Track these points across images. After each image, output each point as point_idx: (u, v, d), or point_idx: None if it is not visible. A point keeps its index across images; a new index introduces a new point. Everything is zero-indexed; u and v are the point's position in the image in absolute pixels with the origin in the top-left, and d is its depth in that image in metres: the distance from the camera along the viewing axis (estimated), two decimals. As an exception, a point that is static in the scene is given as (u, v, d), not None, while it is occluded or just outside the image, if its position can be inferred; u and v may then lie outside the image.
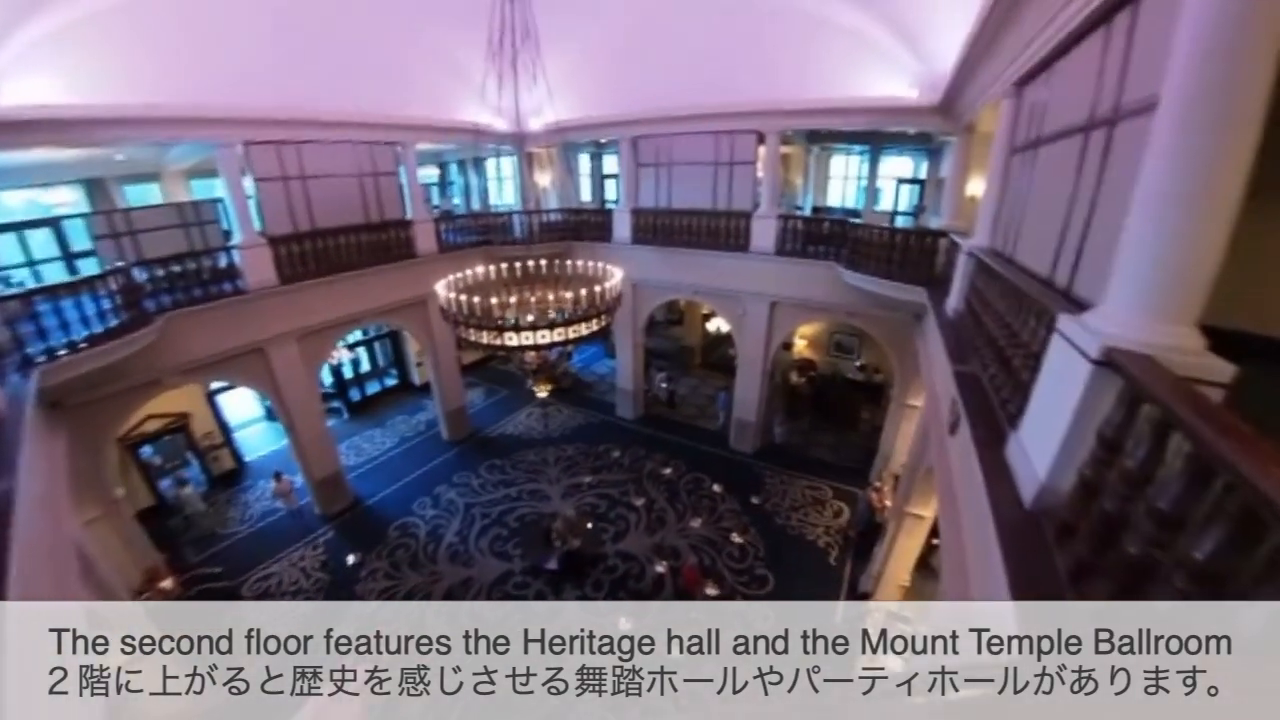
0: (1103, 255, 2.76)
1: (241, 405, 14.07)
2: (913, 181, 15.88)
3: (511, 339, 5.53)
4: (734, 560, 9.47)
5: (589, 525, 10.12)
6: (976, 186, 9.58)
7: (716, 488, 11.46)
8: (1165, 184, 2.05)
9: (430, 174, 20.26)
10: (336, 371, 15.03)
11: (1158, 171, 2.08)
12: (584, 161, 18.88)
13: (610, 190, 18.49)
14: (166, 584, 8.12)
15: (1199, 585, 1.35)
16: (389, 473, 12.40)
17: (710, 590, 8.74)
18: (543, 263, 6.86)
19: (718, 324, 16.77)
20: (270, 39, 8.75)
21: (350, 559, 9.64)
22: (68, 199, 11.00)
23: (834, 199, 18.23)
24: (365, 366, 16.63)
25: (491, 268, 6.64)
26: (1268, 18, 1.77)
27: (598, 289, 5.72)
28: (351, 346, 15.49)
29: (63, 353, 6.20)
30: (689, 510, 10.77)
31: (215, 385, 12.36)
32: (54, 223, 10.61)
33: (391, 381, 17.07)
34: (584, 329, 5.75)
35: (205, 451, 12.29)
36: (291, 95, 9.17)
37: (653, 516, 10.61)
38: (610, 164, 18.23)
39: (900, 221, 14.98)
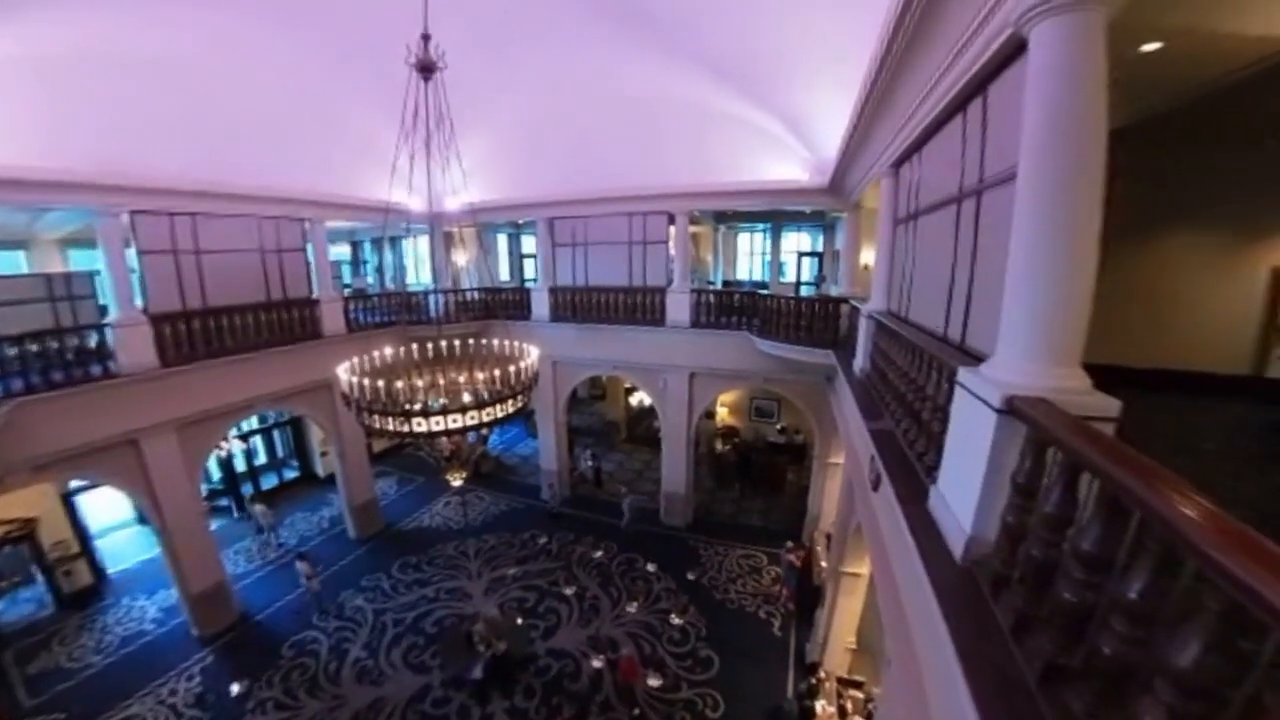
0: (989, 309, 2.97)
1: (106, 506, 12.07)
2: (812, 254, 17.28)
3: (420, 425, 5.14)
4: (675, 644, 8.94)
5: (518, 621, 9.28)
6: (868, 256, 10.48)
7: (651, 567, 11.00)
8: (1033, 241, 2.25)
9: (343, 252, 19.65)
10: (227, 464, 13.45)
11: (1025, 231, 2.29)
12: (502, 241, 19.07)
13: (529, 269, 18.66)
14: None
15: (1139, 627, 1.31)
16: (285, 580, 10.87)
17: (652, 681, 8.12)
18: (456, 343, 6.61)
19: (641, 397, 16.83)
20: (170, 105, 8.30)
21: (234, 688, 8.16)
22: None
23: (742, 273, 19.46)
24: (261, 458, 15.02)
25: (401, 349, 6.30)
26: (1093, 94, 2.06)
27: (513, 369, 5.52)
28: (245, 436, 14.10)
29: None
30: (624, 595, 10.19)
31: (75, 484, 10.61)
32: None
33: (291, 474, 15.44)
34: (499, 411, 5.46)
35: (55, 564, 10.27)
36: (189, 164, 8.65)
37: (585, 606, 9.92)
38: (528, 243, 18.52)
39: (804, 291, 16.08)
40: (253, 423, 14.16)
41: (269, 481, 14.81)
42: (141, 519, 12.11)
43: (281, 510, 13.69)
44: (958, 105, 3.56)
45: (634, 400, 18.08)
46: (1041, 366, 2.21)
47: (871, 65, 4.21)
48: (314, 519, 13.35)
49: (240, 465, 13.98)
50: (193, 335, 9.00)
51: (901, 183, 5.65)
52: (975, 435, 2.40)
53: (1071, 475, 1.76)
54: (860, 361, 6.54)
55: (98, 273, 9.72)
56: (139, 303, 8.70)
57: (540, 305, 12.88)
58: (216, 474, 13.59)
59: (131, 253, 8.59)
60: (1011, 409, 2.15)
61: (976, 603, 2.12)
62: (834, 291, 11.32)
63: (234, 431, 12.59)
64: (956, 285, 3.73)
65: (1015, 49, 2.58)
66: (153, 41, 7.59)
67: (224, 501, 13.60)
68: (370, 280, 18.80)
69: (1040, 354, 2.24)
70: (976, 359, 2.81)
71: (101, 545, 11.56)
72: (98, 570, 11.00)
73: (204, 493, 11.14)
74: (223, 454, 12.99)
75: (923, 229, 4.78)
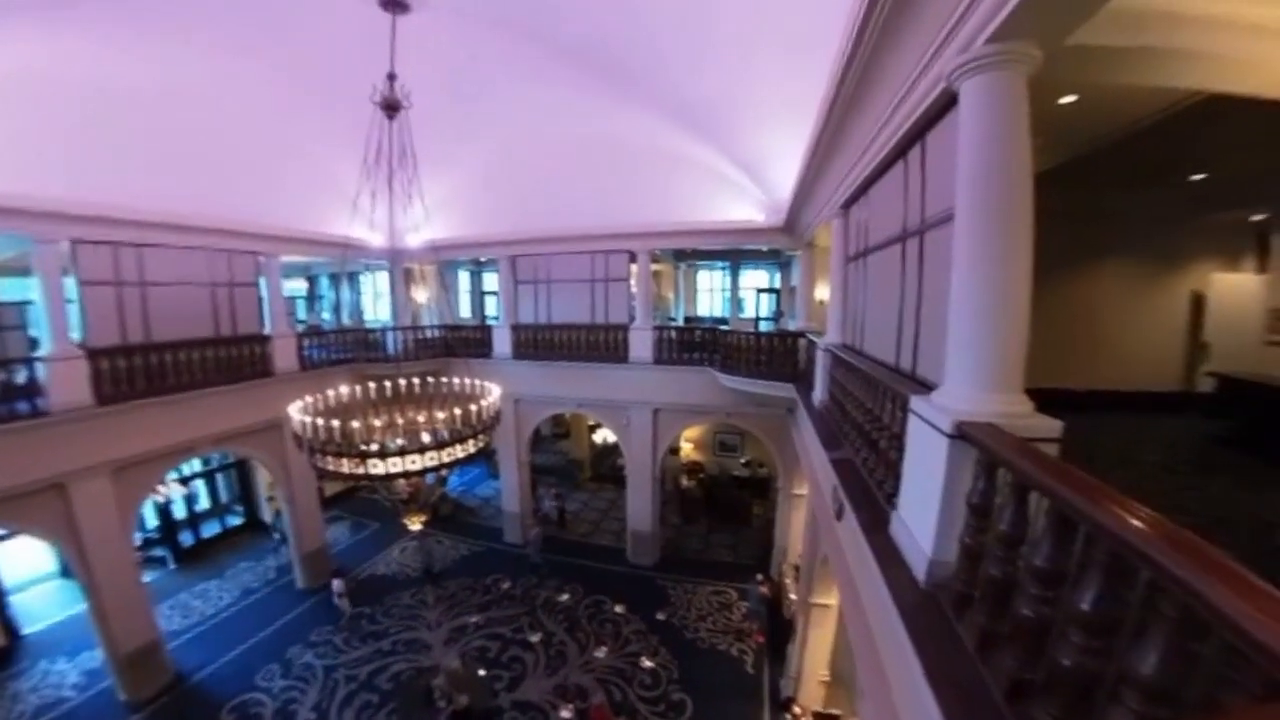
0: (936, 340, 3.12)
1: (24, 558, 11.03)
2: (769, 290, 17.82)
3: (377, 466, 4.95)
4: (646, 688, 8.65)
5: (480, 672, 8.84)
6: (823, 292, 10.88)
7: (619, 609, 10.72)
8: (972, 277, 2.41)
9: (298, 287, 19.11)
10: (164, 510, 12.51)
11: (964, 267, 2.46)
12: (463, 278, 18.96)
13: (491, 306, 18.55)
14: None
15: (1094, 637, 1.37)
16: (226, 636, 10.08)
17: (621, 730, 7.82)
18: (415, 381, 6.47)
19: (604, 434, 16.71)
20: (120, 133, 8.08)
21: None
22: None
23: (703, 309, 19.87)
24: (203, 503, 14.05)
25: (357, 387, 6.13)
26: (1018, 141, 2.26)
27: (474, 407, 5.42)
28: (186, 479, 13.19)
29: None
30: (592, 639, 9.86)
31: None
32: None
33: (235, 520, 14.51)
34: (460, 451, 5.32)
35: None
36: (139, 193, 8.35)
37: (552, 652, 9.54)
38: (490, 280, 18.45)
39: (763, 326, 16.49)
40: (195, 465, 13.35)
41: (211, 529, 13.89)
42: (65, 571, 11.10)
43: (224, 560, 12.86)
44: (900, 152, 3.82)
45: (598, 438, 17.93)
46: (987, 393, 2.34)
47: (820, 114, 4.49)
48: (259, 568, 12.53)
49: (180, 511, 13.08)
50: (133, 371, 8.50)
51: (851, 222, 5.95)
52: (930, 461, 2.49)
53: (1021, 495, 1.85)
54: (819, 393, 6.71)
55: (29, 303, 9.16)
56: (75, 336, 8.21)
57: (502, 342, 12.78)
58: (152, 521, 12.67)
59: (70, 282, 8.15)
60: (962, 434, 2.25)
61: (941, 624, 2.16)
62: (791, 326, 11.65)
63: (173, 475, 11.85)
64: (905, 318, 3.92)
65: (949, 101, 2.81)
66: (105, 68, 7.42)
67: (159, 551, 12.63)
68: (326, 316, 18.30)
69: (985, 381, 2.37)
70: (927, 388, 2.93)
71: (16, 601, 10.53)
72: (11, 630, 9.95)
73: (138, 542, 10.36)
74: (160, 499, 12.14)
75: (872, 266, 5.02)
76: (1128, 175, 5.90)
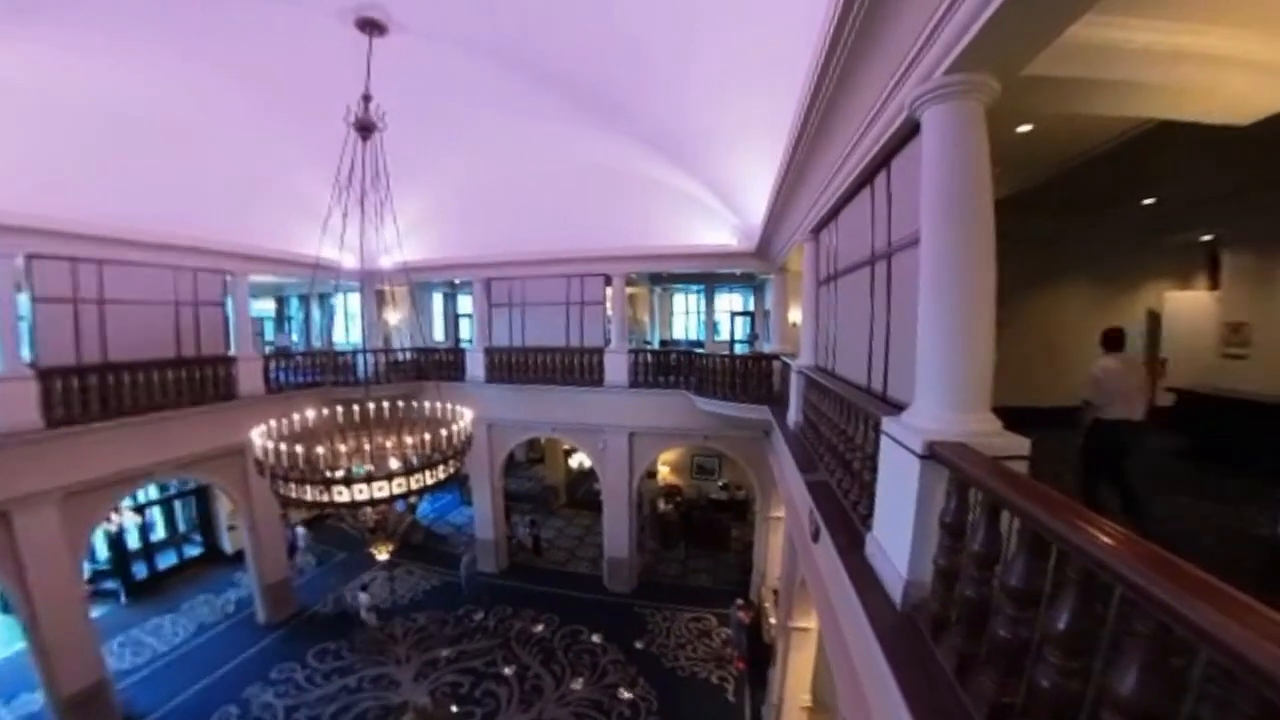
0: (906, 361, 3.15)
1: None
2: (744, 314, 18.06)
3: (342, 494, 4.77)
4: (623, 722, 8.41)
5: (452, 709, 8.48)
6: (796, 314, 11.03)
7: (596, 639, 10.45)
8: (937, 298, 2.46)
9: (267, 308, 18.67)
10: (117, 540, 11.85)
11: (929, 289, 2.50)
12: (438, 300, 18.77)
13: (465, 329, 18.38)
14: None
15: (1072, 657, 1.35)
16: (181, 675, 9.47)
17: (597, 766, 7.55)
18: (385, 405, 6.30)
19: (580, 459, 16.52)
20: (84, 147, 7.85)
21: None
22: None
23: (679, 332, 20.02)
24: (160, 532, 13.33)
25: (325, 411, 5.94)
26: (978, 167, 2.33)
27: (444, 432, 5.30)
28: (141, 507, 12.54)
29: None
30: (568, 671, 9.57)
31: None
32: None
33: (194, 550, 13.78)
34: (429, 477, 5.17)
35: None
36: (103, 209, 8.11)
37: (527, 686, 9.22)
38: (465, 303, 18.31)
39: (738, 349, 16.65)
40: (151, 492, 12.72)
41: (167, 559, 13.17)
42: (5, 607, 10.37)
43: (180, 593, 12.21)
44: (866, 177, 3.92)
45: (573, 463, 17.69)
46: (956, 412, 2.36)
47: (789, 142, 4.60)
48: (217, 602, 11.90)
49: (133, 541, 12.39)
50: (87, 392, 8.10)
51: (821, 247, 6.07)
52: (902, 481, 2.49)
53: (993, 514, 1.85)
54: (793, 416, 6.74)
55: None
56: (26, 355, 7.84)
57: (476, 366, 12.61)
58: (103, 552, 11.99)
59: (23, 299, 7.81)
60: (933, 454, 2.26)
61: (919, 648, 2.14)
62: (766, 349, 11.76)
63: (128, 502, 11.28)
64: (875, 340, 3.98)
65: (912, 129, 2.89)
66: (72, 81, 7.19)
67: (110, 584, 11.91)
68: (295, 338, 17.88)
69: (954, 401, 2.39)
70: (899, 408, 2.95)
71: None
72: (-62, 678, 9.20)
73: (87, 574, 9.78)
74: (113, 529, 11.53)
75: (843, 289, 5.11)
76: (1083, 200, 6.17)
